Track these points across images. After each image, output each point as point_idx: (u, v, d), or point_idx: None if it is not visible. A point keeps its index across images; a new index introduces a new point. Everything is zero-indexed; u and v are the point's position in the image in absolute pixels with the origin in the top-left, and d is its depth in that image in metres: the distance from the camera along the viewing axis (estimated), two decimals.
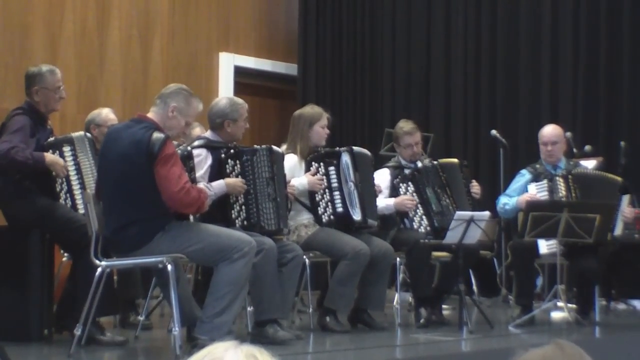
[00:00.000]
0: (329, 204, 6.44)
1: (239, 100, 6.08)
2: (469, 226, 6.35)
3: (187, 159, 5.59)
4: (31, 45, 9.05)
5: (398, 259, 6.78)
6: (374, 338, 6.25)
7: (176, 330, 5.01)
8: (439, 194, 6.99)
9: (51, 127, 6.11)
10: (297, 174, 6.43)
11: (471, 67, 10.14)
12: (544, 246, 6.84)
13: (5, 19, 8.90)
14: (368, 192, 6.60)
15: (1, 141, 5.66)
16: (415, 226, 6.90)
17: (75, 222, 5.72)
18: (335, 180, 6.46)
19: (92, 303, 5.22)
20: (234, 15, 10.77)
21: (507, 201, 7.14)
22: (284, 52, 11.26)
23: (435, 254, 6.87)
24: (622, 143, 8.33)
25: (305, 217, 6.46)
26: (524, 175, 7.23)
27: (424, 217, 6.93)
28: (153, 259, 5.15)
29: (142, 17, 9.90)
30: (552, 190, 6.98)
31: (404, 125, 7.16)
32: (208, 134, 6.02)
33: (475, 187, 7.15)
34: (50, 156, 5.82)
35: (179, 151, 5.49)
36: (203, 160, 5.76)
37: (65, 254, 6.47)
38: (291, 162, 6.40)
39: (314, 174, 6.43)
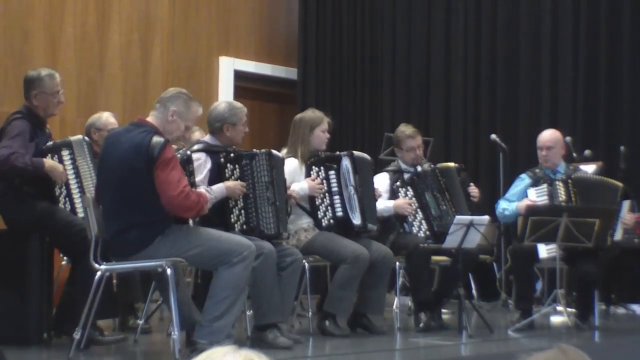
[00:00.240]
0: (329, 208, 6.44)
1: (238, 105, 6.08)
2: (468, 230, 6.35)
3: (187, 163, 5.59)
4: (31, 49, 9.06)
5: (397, 263, 6.78)
6: (374, 342, 6.25)
7: (175, 334, 5.01)
8: (438, 198, 7.00)
9: (50, 131, 6.11)
10: (297, 178, 6.43)
11: (471, 72, 10.15)
12: (544, 250, 6.84)
13: (5, 22, 8.91)
14: (368, 197, 6.60)
15: (1, 147, 5.66)
16: (414, 230, 6.90)
17: (74, 226, 5.72)
18: (335, 184, 6.46)
19: (92, 307, 5.22)
20: (234, 19, 10.78)
21: (506, 206, 7.13)
22: (284, 56, 11.27)
23: (435, 258, 6.87)
24: (622, 147, 8.34)
25: (305, 221, 6.46)
26: (524, 179, 7.23)
27: (423, 221, 6.93)
28: (152, 263, 5.14)
29: (142, 21, 9.90)
30: (551, 194, 6.97)
31: (406, 128, 7.17)
32: (207, 138, 6.02)
33: (474, 191, 7.15)
34: (49, 162, 5.82)
35: (179, 155, 5.49)
36: (202, 164, 5.76)
37: (65, 258, 6.47)
38: (291, 166, 6.40)
39: (314, 179, 6.43)
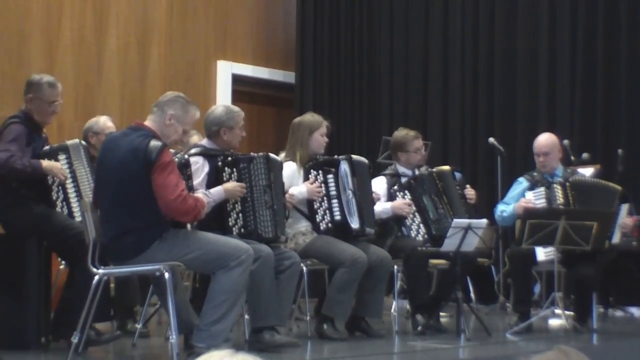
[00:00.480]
0: (327, 211, 6.44)
1: (235, 108, 6.08)
2: (466, 234, 6.35)
3: (184, 167, 5.59)
4: (29, 53, 9.06)
5: (395, 266, 6.78)
6: (372, 345, 6.25)
7: (173, 337, 5.01)
8: (436, 201, 7.00)
9: (46, 135, 6.11)
10: (295, 181, 6.43)
11: (468, 75, 10.16)
12: (542, 253, 6.84)
13: (2, 26, 8.91)
14: (366, 200, 6.60)
15: None
16: (412, 234, 6.90)
17: (72, 230, 5.72)
18: (333, 188, 6.46)
19: (89, 311, 5.21)
20: (232, 23, 10.78)
21: (504, 208, 7.13)
22: (282, 60, 11.27)
23: (433, 261, 6.87)
24: (620, 150, 8.34)
25: (303, 224, 6.46)
26: (522, 183, 7.23)
27: (421, 225, 6.92)
28: (150, 267, 5.14)
29: (139, 24, 9.91)
30: (549, 197, 6.97)
31: (409, 131, 7.19)
32: (205, 142, 6.01)
33: (470, 193, 7.15)
34: (46, 162, 5.83)
35: (176, 159, 5.49)
36: (200, 168, 5.75)
37: (63, 262, 6.47)
38: (290, 169, 6.40)
39: (313, 183, 6.43)
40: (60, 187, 5.95)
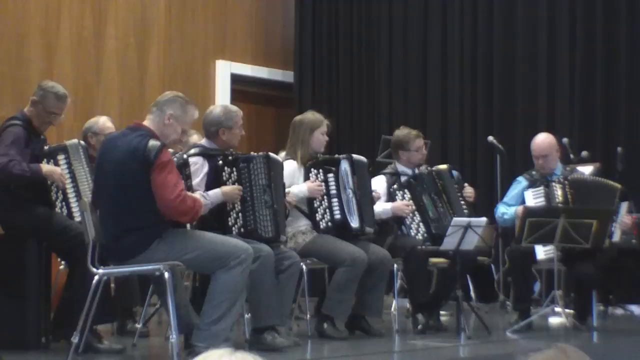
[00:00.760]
0: (327, 210, 6.44)
1: (233, 108, 6.08)
2: (466, 232, 6.35)
3: (183, 166, 5.59)
4: (28, 53, 9.06)
5: (395, 265, 6.78)
6: (372, 344, 6.25)
7: (174, 337, 5.01)
8: (435, 200, 7.00)
9: (45, 137, 6.11)
10: (296, 180, 6.43)
11: (467, 74, 10.16)
12: (542, 252, 6.84)
13: (1, 27, 8.91)
14: (366, 200, 6.60)
15: None
16: (412, 233, 6.90)
17: (71, 230, 5.72)
18: (333, 187, 6.46)
19: (89, 311, 5.21)
20: (231, 22, 10.78)
21: (505, 210, 7.13)
22: (281, 60, 11.27)
23: (433, 260, 6.87)
24: (619, 149, 8.33)
25: (303, 223, 6.46)
26: (521, 182, 7.22)
27: (421, 223, 6.93)
28: (150, 267, 5.14)
29: (138, 25, 9.91)
30: (548, 196, 6.97)
31: (410, 130, 7.19)
32: (204, 141, 6.01)
33: (469, 191, 7.16)
34: (46, 166, 5.83)
35: (175, 159, 5.49)
36: (199, 168, 5.75)
37: (63, 262, 6.46)
38: (290, 168, 6.40)
39: (314, 181, 6.43)
40: (61, 188, 5.95)
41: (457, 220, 6.48)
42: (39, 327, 5.85)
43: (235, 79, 10.76)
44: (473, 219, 6.49)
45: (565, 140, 8.12)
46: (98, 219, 5.24)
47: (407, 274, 7.05)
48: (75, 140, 6.19)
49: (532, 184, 7.10)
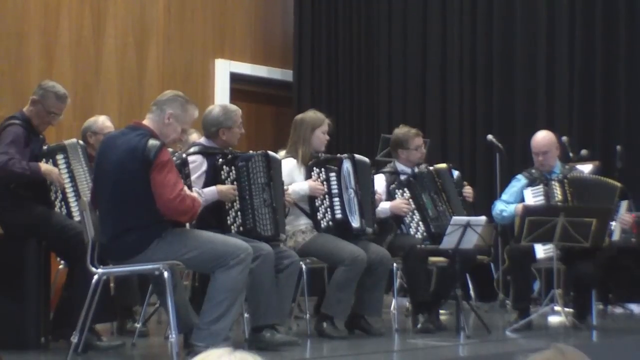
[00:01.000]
0: (328, 209, 6.44)
1: (232, 107, 6.07)
2: (465, 231, 6.35)
3: (183, 165, 5.58)
4: (27, 53, 9.06)
5: (395, 264, 6.78)
6: (372, 344, 6.25)
7: (173, 337, 5.01)
8: (435, 199, 7.00)
9: (44, 136, 6.10)
10: (295, 178, 6.43)
11: (467, 72, 10.15)
12: (541, 250, 6.84)
13: (1, 27, 8.91)
14: (367, 200, 6.60)
15: None
16: (412, 232, 6.90)
17: (71, 230, 5.72)
18: (335, 186, 6.45)
19: (89, 310, 5.21)
20: (230, 22, 10.79)
21: (504, 207, 7.13)
22: (280, 59, 11.27)
23: (432, 259, 6.87)
24: (619, 147, 8.33)
25: (303, 222, 6.45)
26: (520, 180, 7.22)
27: (420, 222, 6.92)
28: (150, 266, 5.14)
29: (137, 24, 9.91)
30: (548, 194, 6.97)
31: (410, 128, 7.19)
32: (203, 140, 6.01)
33: (467, 191, 7.16)
34: (45, 166, 5.82)
35: (175, 158, 5.48)
36: (198, 166, 5.75)
37: (62, 262, 6.46)
38: (289, 165, 6.40)
39: (315, 180, 6.43)
40: (60, 188, 5.94)
41: (456, 219, 6.48)
42: (38, 327, 5.84)
43: (235, 78, 10.76)
44: (472, 218, 6.49)
45: (564, 138, 8.12)
46: (97, 218, 5.23)
47: (406, 273, 7.04)
48: (74, 140, 6.19)
49: (532, 182, 7.09)
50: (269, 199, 5.81)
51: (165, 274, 5.06)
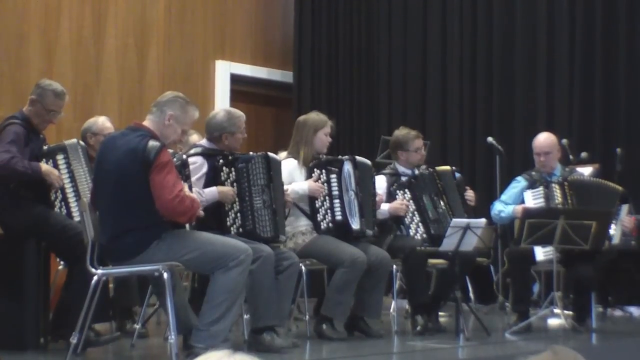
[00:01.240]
0: (329, 211, 6.43)
1: (237, 113, 6.06)
2: (465, 233, 6.35)
3: (183, 167, 5.58)
4: (27, 54, 9.06)
5: (395, 266, 6.77)
6: (371, 346, 6.24)
7: (172, 338, 5.00)
8: (435, 201, 7.00)
9: (44, 136, 6.10)
10: (296, 178, 6.43)
11: (467, 74, 10.16)
12: (541, 253, 6.84)
13: (1, 27, 8.91)
14: (367, 202, 6.60)
15: (0, 151, 5.66)
16: (411, 233, 6.90)
17: (70, 230, 5.72)
18: (336, 188, 6.45)
19: (88, 311, 5.21)
20: (230, 23, 10.79)
21: (502, 208, 7.13)
22: (280, 60, 11.28)
23: (432, 261, 6.87)
24: (618, 150, 8.34)
25: (303, 224, 6.45)
26: (520, 182, 7.22)
27: (420, 224, 6.92)
28: (149, 267, 5.13)
29: (138, 25, 9.91)
30: (548, 197, 6.97)
31: (409, 130, 7.19)
32: (204, 142, 6.01)
33: (470, 195, 7.16)
34: (45, 166, 5.82)
35: (175, 159, 5.48)
36: (198, 167, 5.75)
37: (62, 262, 6.46)
38: (290, 166, 6.39)
39: (316, 181, 6.42)
40: (59, 188, 5.94)
41: (456, 221, 6.48)
42: (38, 327, 5.84)
43: (235, 79, 10.76)
44: (472, 220, 6.49)
45: (564, 141, 8.12)
46: (97, 219, 5.23)
47: (406, 275, 7.04)
48: (74, 140, 6.19)
49: (532, 184, 7.10)
50: (269, 200, 5.81)
51: (165, 275, 5.05)
